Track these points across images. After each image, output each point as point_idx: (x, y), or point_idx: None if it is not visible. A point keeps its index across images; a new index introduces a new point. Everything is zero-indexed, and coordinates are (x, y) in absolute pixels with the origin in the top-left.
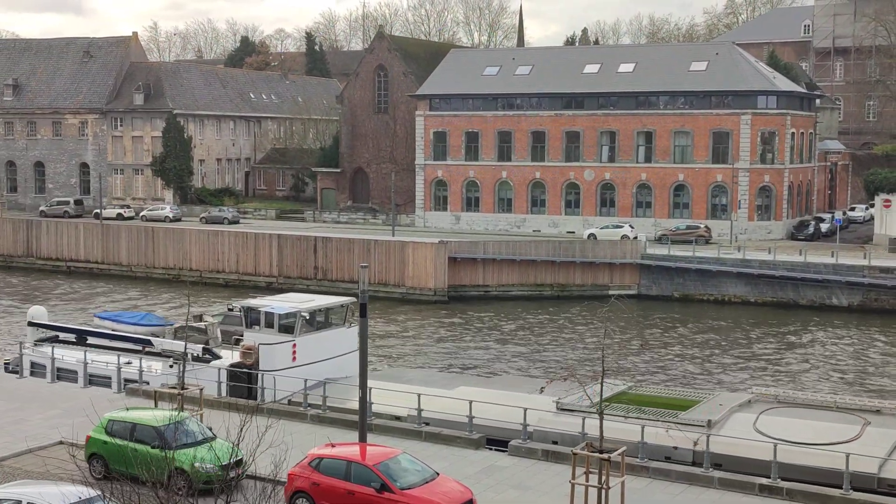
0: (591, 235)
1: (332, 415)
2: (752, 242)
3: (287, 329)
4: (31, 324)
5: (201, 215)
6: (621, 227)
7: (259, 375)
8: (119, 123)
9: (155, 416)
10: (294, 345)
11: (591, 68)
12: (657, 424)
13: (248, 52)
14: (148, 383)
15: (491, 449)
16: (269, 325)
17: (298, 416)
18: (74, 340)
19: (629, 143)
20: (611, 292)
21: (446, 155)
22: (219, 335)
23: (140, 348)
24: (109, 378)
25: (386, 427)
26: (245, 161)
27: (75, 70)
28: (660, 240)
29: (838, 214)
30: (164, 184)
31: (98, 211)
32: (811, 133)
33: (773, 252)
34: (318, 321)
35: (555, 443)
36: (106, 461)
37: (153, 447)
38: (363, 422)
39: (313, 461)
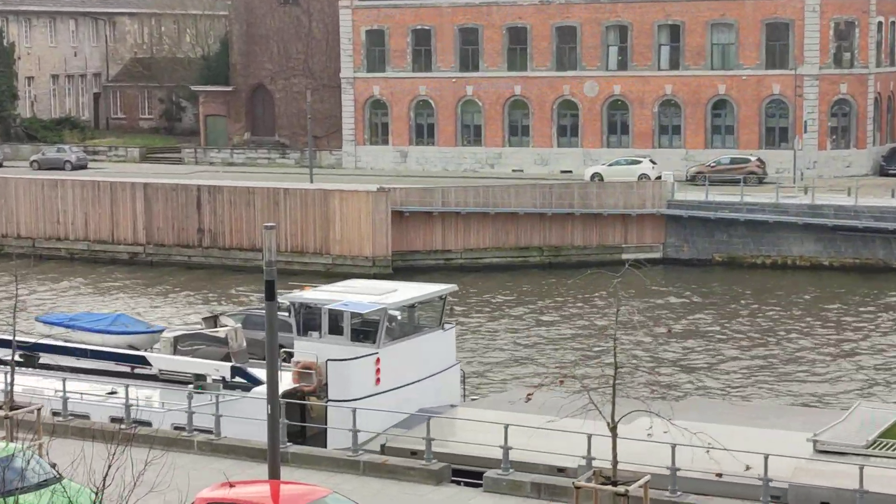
0: (596, 176)
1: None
2: (825, 181)
3: (365, 336)
4: None
5: (32, 158)
6: (639, 162)
7: (328, 409)
8: None
9: None
10: (378, 359)
11: None
12: None
13: None
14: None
15: (459, 483)
16: (336, 329)
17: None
18: (20, 360)
19: (647, 41)
20: (625, 256)
21: (385, 64)
22: (244, 345)
23: (128, 369)
24: (87, 416)
25: (307, 456)
26: (93, 78)
27: None
28: (693, 179)
29: None
30: None
31: None
32: None
33: (855, 194)
34: (403, 322)
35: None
36: None
37: None
38: (274, 449)
39: None
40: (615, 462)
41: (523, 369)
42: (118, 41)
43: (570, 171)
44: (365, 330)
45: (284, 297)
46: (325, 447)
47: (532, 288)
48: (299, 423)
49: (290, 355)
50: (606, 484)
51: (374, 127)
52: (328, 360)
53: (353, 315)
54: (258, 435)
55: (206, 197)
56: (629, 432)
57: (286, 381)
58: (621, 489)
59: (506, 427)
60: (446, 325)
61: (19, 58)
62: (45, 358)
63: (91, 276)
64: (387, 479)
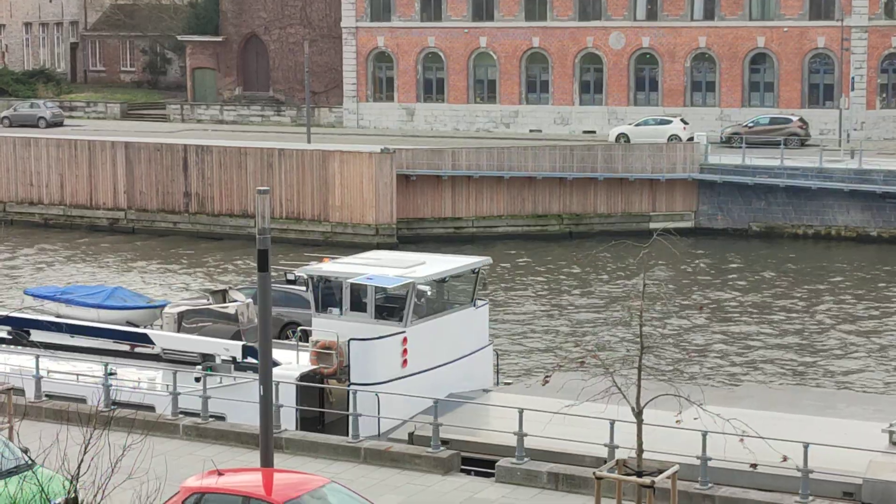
0: (622, 137)
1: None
2: (874, 143)
3: (390, 313)
4: None
5: (2, 114)
6: (669, 122)
7: (350, 394)
8: None
9: None
10: (405, 339)
11: None
12: None
13: None
14: None
15: (470, 473)
16: (359, 305)
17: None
18: (8, 336)
19: None
20: (653, 225)
21: (391, 12)
22: (256, 322)
23: (128, 347)
24: (84, 400)
25: (303, 442)
26: (70, 27)
27: None
28: (729, 141)
29: None
30: None
31: None
32: None
33: None
34: (431, 298)
35: None
36: None
37: None
38: (266, 434)
39: (190, 498)
40: (640, 451)
41: (540, 348)
42: None
43: (594, 132)
44: (390, 307)
45: (302, 270)
46: (347, 435)
47: (550, 259)
48: (318, 408)
49: (306, 334)
50: (630, 474)
51: (378, 82)
52: (350, 339)
53: (378, 290)
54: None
55: (194, 158)
56: (656, 418)
57: (304, 362)
58: (647, 480)
59: (520, 412)
60: (478, 302)
61: None
62: (35, 335)
63: (68, 243)
64: (390, 468)
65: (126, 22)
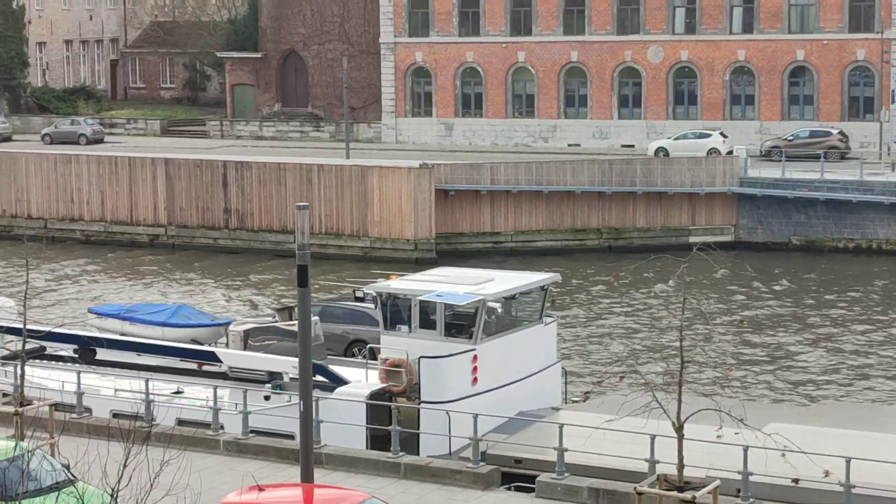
0: (661, 150)
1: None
2: None
3: (459, 330)
4: None
5: (44, 131)
6: (708, 135)
7: (420, 413)
8: None
9: None
10: (475, 356)
11: None
12: None
13: None
14: None
15: (510, 488)
16: (428, 323)
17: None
18: (75, 355)
19: (718, 2)
20: (692, 240)
21: (429, 28)
22: (322, 340)
23: (195, 366)
24: (152, 419)
25: (343, 458)
26: (110, 44)
27: None
28: (768, 154)
29: None
30: None
31: None
32: None
33: None
34: (500, 315)
35: None
36: None
37: None
38: (307, 450)
39: None
40: (681, 466)
41: (578, 363)
42: (137, 3)
43: (632, 146)
44: (459, 324)
45: (370, 288)
46: (418, 454)
47: (589, 274)
48: (388, 426)
49: (373, 352)
50: (671, 489)
51: (417, 97)
52: (421, 357)
53: (447, 307)
54: (343, 441)
55: (233, 174)
56: (697, 433)
57: (372, 380)
58: (688, 495)
59: (560, 427)
60: (547, 319)
61: (29, 22)
62: (102, 353)
63: (109, 260)
64: (430, 483)
65: (166, 39)
